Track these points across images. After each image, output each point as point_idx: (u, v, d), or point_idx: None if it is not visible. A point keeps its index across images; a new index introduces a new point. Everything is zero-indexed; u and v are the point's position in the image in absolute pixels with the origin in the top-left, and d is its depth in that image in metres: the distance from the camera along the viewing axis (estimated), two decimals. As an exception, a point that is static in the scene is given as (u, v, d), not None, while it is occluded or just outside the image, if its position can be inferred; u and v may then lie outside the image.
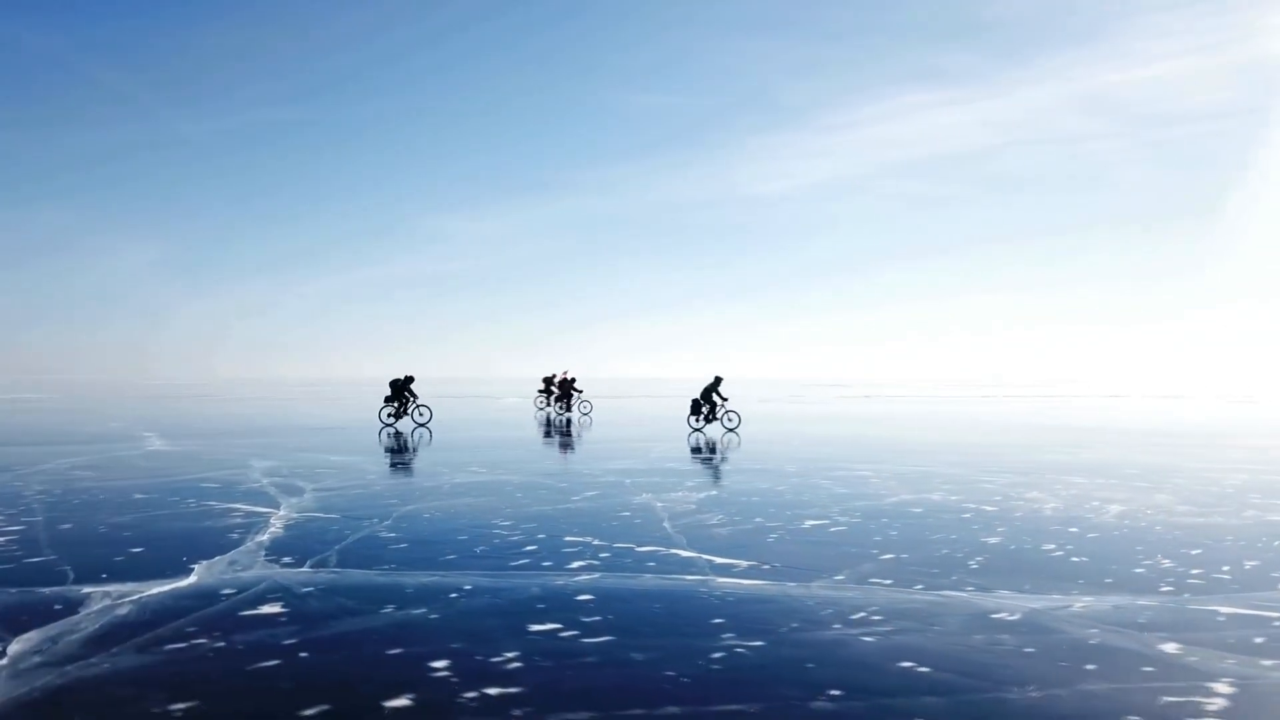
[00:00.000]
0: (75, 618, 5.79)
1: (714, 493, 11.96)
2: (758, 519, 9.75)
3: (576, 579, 6.96)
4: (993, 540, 8.50)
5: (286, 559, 7.66)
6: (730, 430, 24.45)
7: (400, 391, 27.46)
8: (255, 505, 10.68)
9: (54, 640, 5.31)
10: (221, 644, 5.26)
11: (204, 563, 7.49)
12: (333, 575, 7.08)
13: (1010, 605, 6.13)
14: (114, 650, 5.12)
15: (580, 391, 34.80)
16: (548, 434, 24.48)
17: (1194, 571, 7.16)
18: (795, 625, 5.66)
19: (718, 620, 5.77)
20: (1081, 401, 50.46)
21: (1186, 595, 6.42)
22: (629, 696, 4.45)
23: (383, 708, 4.31)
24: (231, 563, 7.53)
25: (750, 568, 7.36)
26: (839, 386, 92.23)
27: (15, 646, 5.17)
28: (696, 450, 18.73)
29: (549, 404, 38.32)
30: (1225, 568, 7.30)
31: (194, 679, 4.69)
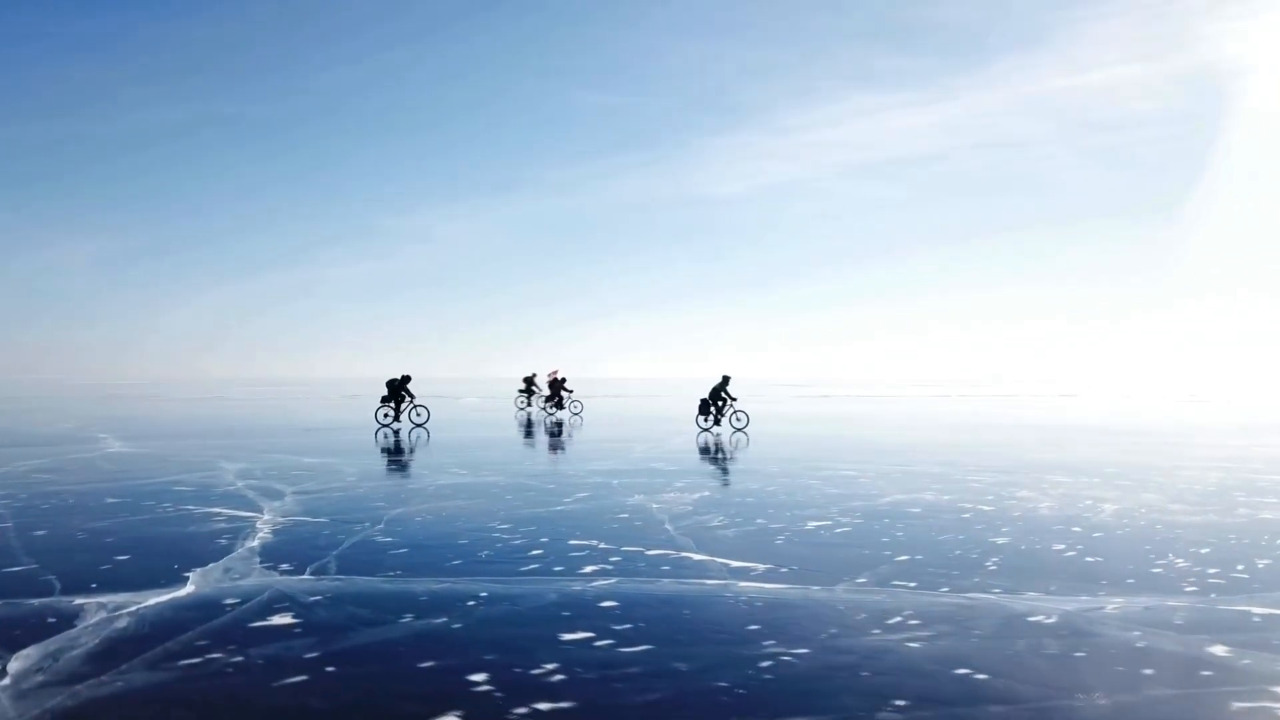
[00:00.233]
0: (72, 632, 5.43)
1: (706, 494, 11.80)
2: (759, 520, 9.60)
3: (593, 585, 6.74)
4: (1001, 540, 8.45)
5: (284, 566, 7.33)
6: (739, 430, 24.30)
7: (397, 391, 26.85)
8: (236, 509, 10.28)
9: (54, 657, 4.96)
10: (239, 659, 4.96)
11: (198, 570, 7.12)
12: (337, 583, 6.78)
13: (1042, 607, 6.04)
14: (123, 667, 4.79)
15: (571, 391, 34.47)
16: (527, 434, 24.16)
17: (1210, 571, 7.15)
18: (834, 631, 5.50)
19: (753, 627, 5.60)
20: (1038, 401, 51.26)
21: (1213, 595, 6.39)
22: (689, 710, 4.26)
23: (429, 726, 4.07)
24: (227, 570, 7.18)
25: (768, 571, 7.20)
26: (798, 386, 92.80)
27: (15, 664, 4.82)
28: (677, 451, 18.55)
29: (530, 404, 37.91)
30: (1240, 567, 7.31)
31: (218, 698, 4.39)
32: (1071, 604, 6.14)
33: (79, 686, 4.49)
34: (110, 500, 10.98)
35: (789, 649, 5.13)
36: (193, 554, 7.77)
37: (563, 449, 19.55)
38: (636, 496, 11.41)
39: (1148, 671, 4.73)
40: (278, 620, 5.73)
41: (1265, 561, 7.51)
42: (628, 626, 5.61)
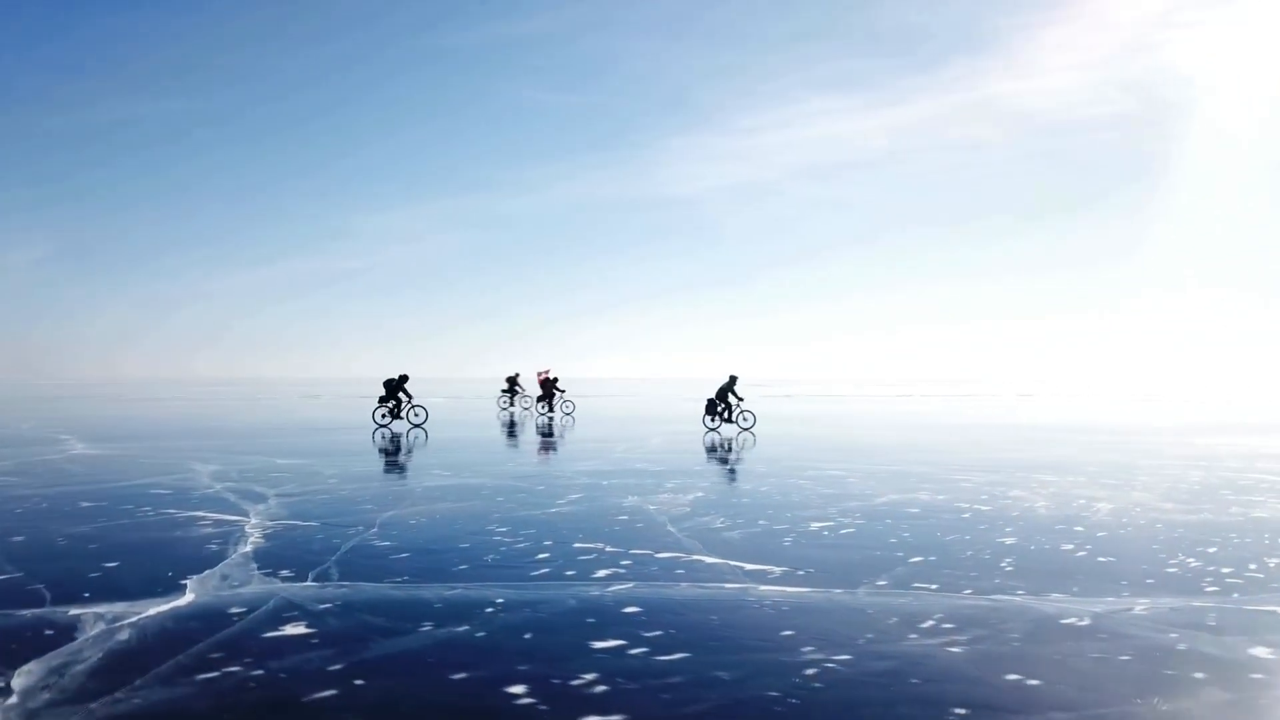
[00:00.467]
0: (73, 645, 5.13)
1: (700, 494, 11.65)
2: (761, 521, 9.48)
3: (610, 590, 6.55)
4: (1009, 541, 8.40)
5: (284, 572, 7.05)
6: (746, 430, 24.16)
7: (394, 391, 26.32)
8: (221, 513, 9.93)
9: (59, 673, 4.67)
10: (259, 672, 4.70)
11: (194, 578, 6.82)
12: (343, 590, 6.52)
13: (1071, 610, 5.98)
14: (136, 683, 4.51)
15: (563, 391, 34.13)
16: (510, 434, 23.85)
17: (1224, 571, 7.15)
18: (870, 636, 5.38)
19: (787, 632, 5.45)
20: (997, 400, 51.88)
21: (1235, 595, 6.37)
22: (744, 721, 4.10)
23: (478, 743, 3.86)
24: (224, 577, 6.88)
25: (785, 574, 7.06)
26: (761, 386, 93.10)
27: (19, 680, 4.52)
28: (658, 451, 18.39)
29: (513, 404, 37.53)
30: (1252, 566, 7.32)
31: (244, 716, 4.14)
32: (1099, 605, 6.08)
33: (92, 705, 4.21)
34: (85, 504, 10.55)
35: (830, 655, 5.00)
36: (185, 560, 7.45)
37: (543, 449, 19.31)
38: (630, 498, 11.23)
39: (1198, 675, 4.66)
40: (290, 630, 5.47)
41: (1276, 561, 7.54)
42: (658, 633, 5.43)
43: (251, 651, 5.04)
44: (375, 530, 8.92)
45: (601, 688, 4.49)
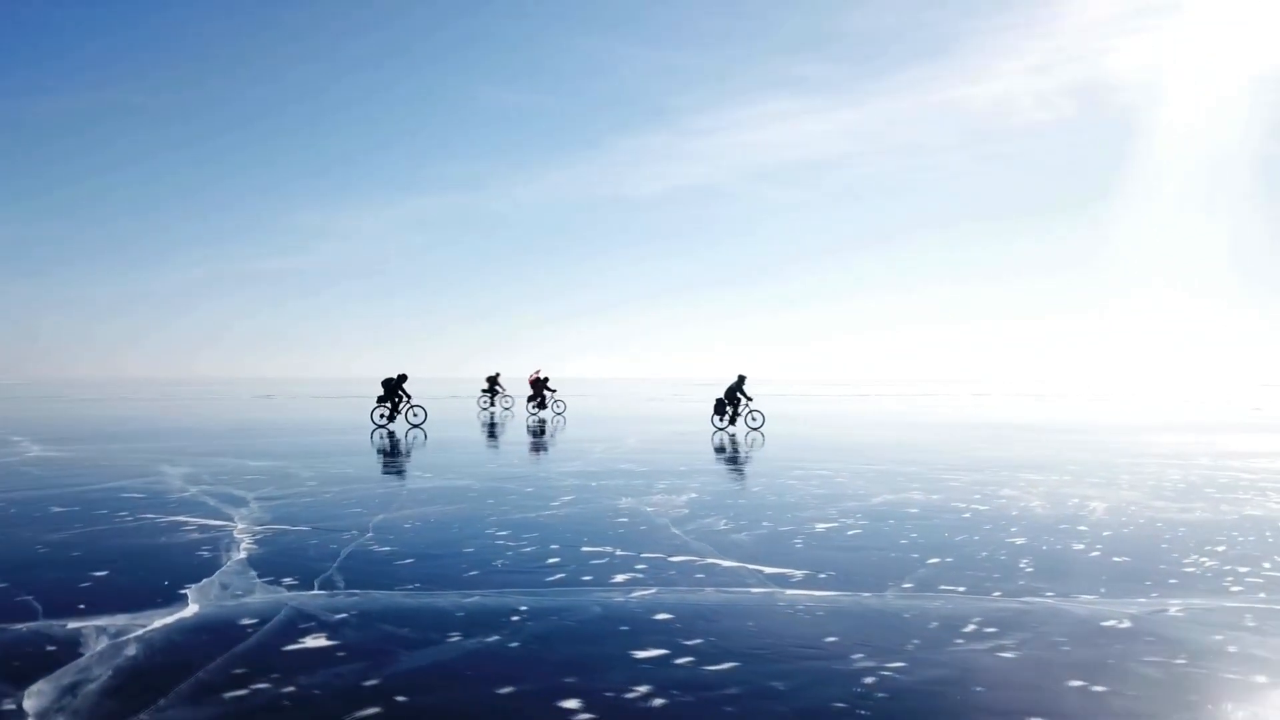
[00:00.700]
0: (80, 662, 4.79)
1: (694, 495, 11.47)
2: (765, 523, 9.34)
3: (634, 596, 6.34)
4: (1019, 541, 8.36)
5: (287, 580, 6.73)
6: (755, 430, 24.01)
7: (393, 391, 25.73)
8: (203, 517, 9.53)
9: (71, 692, 4.34)
10: (290, 689, 4.41)
11: (193, 587, 6.47)
12: (355, 598, 6.22)
13: (1106, 611, 5.91)
14: (160, 704, 4.20)
15: (554, 391, 33.73)
16: (490, 435, 23.47)
17: (1242, 570, 7.16)
18: (916, 642, 5.24)
19: (830, 639, 5.29)
20: (957, 400, 52.53)
21: (1262, 595, 6.36)
22: (818, 735, 3.92)
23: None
24: (224, 586, 6.54)
25: (807, 577, 6.91)
26: (708, 386, 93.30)
27: (31, 702, 4.19)
28: (638, 451, 18.18)
29: (493, 404, 37.07)
30: (1266, 565, 7.35)
31: (287, 737, 3.87)
32: (1132, 607, 6.02)
33: (118, 728, 3.90)
34: (57, 509, 10.06)
35: (882, 662, 4.85)
36: (178, 568, 7.09)
37: (530, 449, 19.00)
38: (624, 499, 11.03)
39: (1259, 679, 4.60)
40: (311, 643, 5.18)
41: (1287, 559, 7.58)
42: (698, 641, 5.24)
43: (276, 666, 4.75)
44: (370, 535, 8.60)
45: (659, 701, 4.28)
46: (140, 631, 5.35)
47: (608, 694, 4.37)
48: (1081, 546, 8.14)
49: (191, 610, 5.87)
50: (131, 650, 5.01)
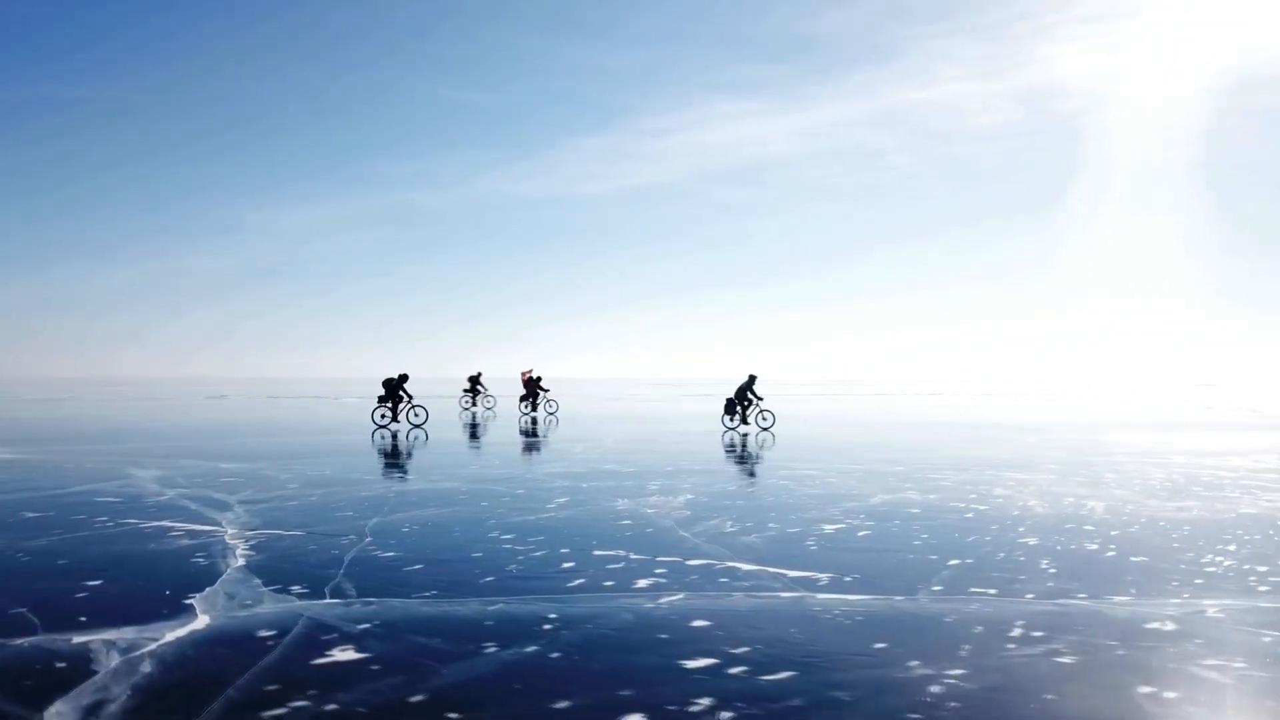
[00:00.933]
0: (96, 680, 4.47)
1: (692, 495, 11.30)
2: (771, 525, 9.19)
3: (663, 601, 6.14)
4: (1031, 541, 8.30)
5: (295, 588, 6.42)
6: (765, 429, 23.83)
7: (394, 392, 25.14)
8: (189, 523, 9.14)
9: (93, 713, 4.03)
10: (333, 706, 4.14)
11: (197, 597, 6.14)
12: (372, 607, 5.94)
13: (1146, 613, 5.84)
14: (194, 724, 3.91)
15: (547, 390, 33.29)
16: (472, 435, 23.06)
17: (1261, 569, 7.17)
18: (968, 647, 5.11)
19: (879, 645, 5.14)
20: (912, 399, 53.07)
21: (1291, 595, 6.36)
22: (903, 749, 3.76)
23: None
24: (230, 596, 6.22)
25: (833, 581, 6.77)
26: (679, 385, 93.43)
27: (53, 728, 3.87)
28: (617, 450, 17.96)
29: (475, 404, 36.56)
30: (1282, 564, 7.37)
31: (342, 760, 3.60)
32: (1168, 608, 5.96)
33: (155, 754, 3.61)
34: (30, 515, 9.58)
35: (941, 669, 4.70)
36: (177, 576, 6.74)
37: (493, 450, 18.68)
38: (621, 501, 10.82)
39: (1325, 681, 4.54)
40: (340, 655, 4.91)
41: (1300, 558, 7.61)
42: (746, 650, 5.06)
43: (310, 682, 4.47)
44: (370, 540, 8.29)
45: (727, 714, 4.09)
46: (152, 646, 5.03)
47: (670, 707, 4.17)
48: (1095, 546, 8.10)
49: (202, 622, 5.55)
50: (147, 666, 4.69)
